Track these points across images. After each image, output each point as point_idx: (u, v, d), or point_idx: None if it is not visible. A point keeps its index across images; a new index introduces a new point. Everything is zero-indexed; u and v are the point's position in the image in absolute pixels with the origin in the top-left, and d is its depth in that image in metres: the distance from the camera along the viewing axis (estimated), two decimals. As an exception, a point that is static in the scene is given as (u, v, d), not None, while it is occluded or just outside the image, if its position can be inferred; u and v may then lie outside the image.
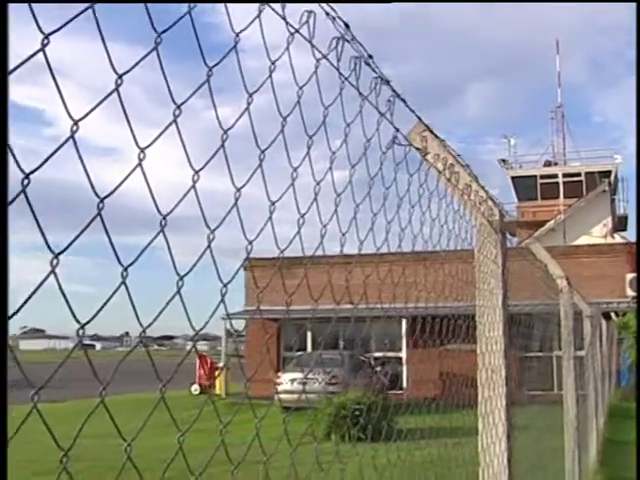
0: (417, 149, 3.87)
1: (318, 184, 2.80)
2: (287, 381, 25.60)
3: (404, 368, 34.41)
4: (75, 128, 1.75)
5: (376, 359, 33.21)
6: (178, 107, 2.09)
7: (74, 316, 1.80)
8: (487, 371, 4.51)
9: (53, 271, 1.71)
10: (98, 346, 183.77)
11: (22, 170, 1.61)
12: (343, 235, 3.01)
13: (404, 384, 33.28)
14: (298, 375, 25.15)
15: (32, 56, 1.63)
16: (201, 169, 2.17)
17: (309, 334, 34.96)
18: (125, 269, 1.94)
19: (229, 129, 2.29)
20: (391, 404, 9.72)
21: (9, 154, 1.60)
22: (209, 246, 2.27)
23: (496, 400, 4.54)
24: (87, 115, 1.77)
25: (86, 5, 1.74)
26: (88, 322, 1.85)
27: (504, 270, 4.63)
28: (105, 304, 1.91)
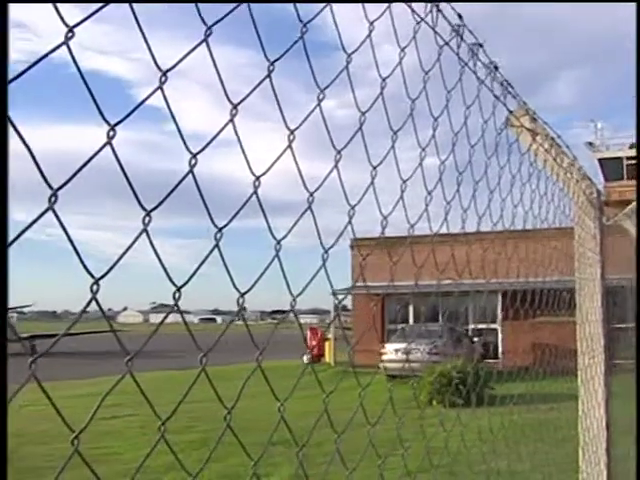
0: (528, 130, 3.75)
1: (443, 163, 2.74)
2: (391, 351, 25.59)
3: (499, 339, 34.09)
4: (234, 112, 1.77)
5: (473, 330, 33.00)
6: (322, 91, 2.08)
7: (236, 288, 1.83)
8: (587, 340, 4.38)
9: (217, 245, 1.77)
10: (219, 319, 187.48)
11: (189, 150, 1.68)
12: (464, 212, 2.95)
13: (499, 354, 32.97)
14: (401, 345, 25.11)
15: (194, 48, 1.67)
16: (343, 148, 2.15)
17: (411, 307, 34.84)
18: (278, 242, 1.96)
19: (366, 112, 2.26)
20: (488, 372, 9.58)
21: (181, 138, 1.67)
22: (350, 222, 2.24)
23: (595, 367, 4.41)
24: (245, 98, 1.80)
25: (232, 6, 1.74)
26: (247, 291, 1.90)
27: (602, 244, 4.48)
28: (260, 277, 1.92)
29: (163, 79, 1.60)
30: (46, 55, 1.42)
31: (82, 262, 1.48)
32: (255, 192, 1.84)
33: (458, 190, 2.89)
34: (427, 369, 21.39)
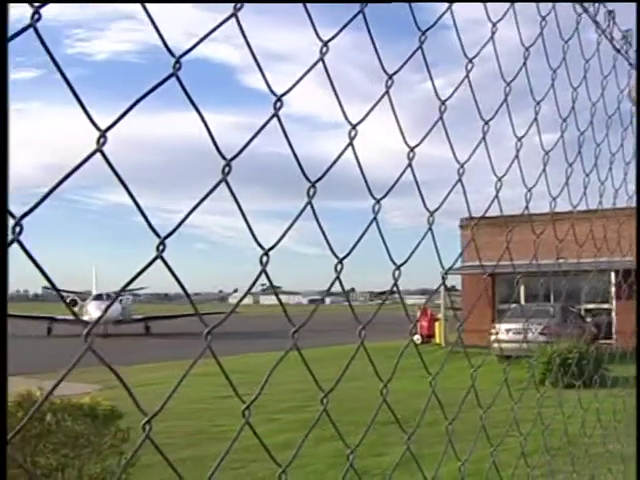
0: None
1: (582, 134, 2.68)
2: (502, 331, 25.27)
3: (613, 318, 33.21)
4: (390, 82, 1.80)
5: (586, 310, 32.27)
6: (470, 60, 2.07)
7: (393, 262, 1.82)
8: None
9: (375, 217, 1.75)
10: (327, 301, 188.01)
11: (349, 122, 1.74)
12: (602, 184, 2.88)
13: (613, 334, 32.12)
14: (513, 325, 24.75)
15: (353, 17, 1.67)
16: (490, 119, 2.12)
17: (522, 287, 34.28)
18: (432, 213, 1.95)
19: (511, 81, 2.23)
20: (602, 353, 9.34)
21: (343, 114, 1.65)
22: (497, 195, 2.20)
23: None
24: (401, 68, 1.77)
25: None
26: (402, 264, 1.89)
27: None
28: (414, 251, 1.92)
29: (324, 49, 1.62)
30: (212, 31, 1.46)
31: (254, 236, 1.55)
32: (410, 165, 1.84)
33: (595, 164, 2.82)
34: (539, 349, 21.06)
